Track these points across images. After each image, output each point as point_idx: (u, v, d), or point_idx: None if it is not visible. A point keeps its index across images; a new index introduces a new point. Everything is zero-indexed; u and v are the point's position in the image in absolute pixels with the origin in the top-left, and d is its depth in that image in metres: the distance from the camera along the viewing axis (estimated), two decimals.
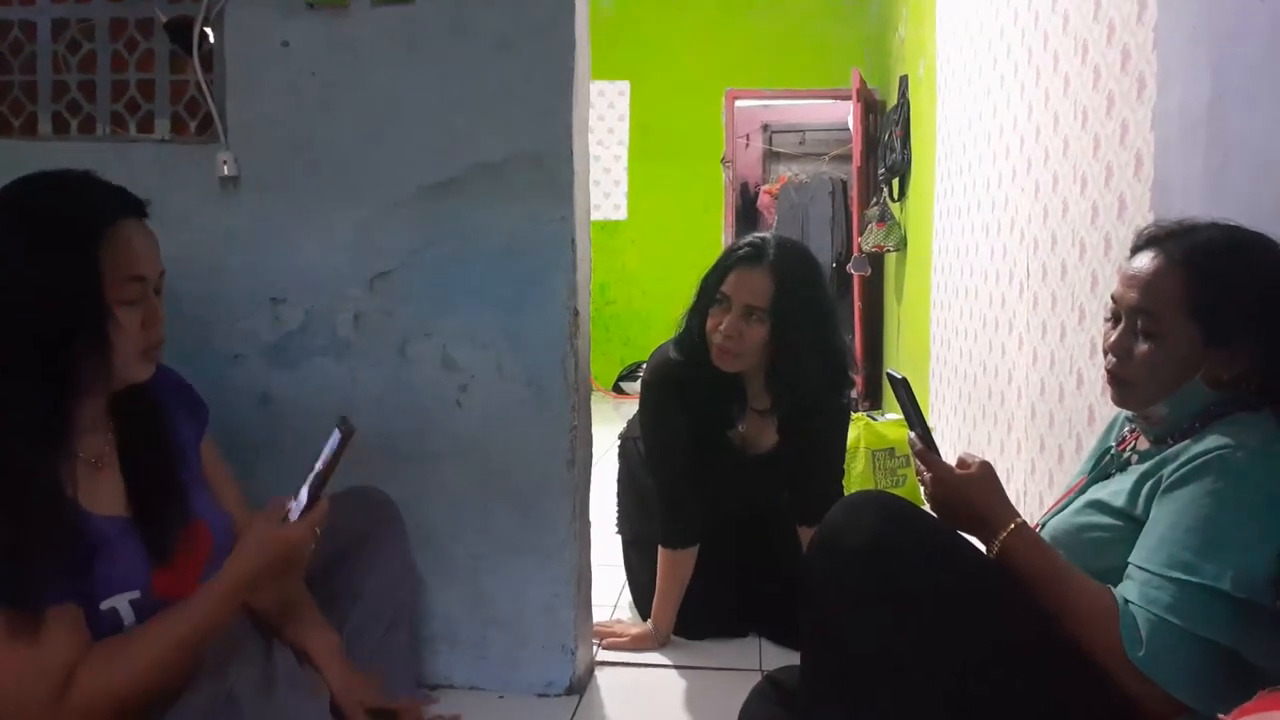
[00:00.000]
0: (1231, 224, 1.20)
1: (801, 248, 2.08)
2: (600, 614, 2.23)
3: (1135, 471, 1.22)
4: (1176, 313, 1.17)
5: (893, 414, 3.81)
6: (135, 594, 1.23)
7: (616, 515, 2.46)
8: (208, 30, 1.85)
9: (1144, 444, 1.28)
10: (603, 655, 2.08)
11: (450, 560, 1.87)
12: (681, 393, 2.08)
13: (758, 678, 1.62)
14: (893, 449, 3.40)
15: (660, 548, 2.12)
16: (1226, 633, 1.07)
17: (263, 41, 1.84)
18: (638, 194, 6.73)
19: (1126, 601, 1.11)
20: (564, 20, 1.77)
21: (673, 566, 2.11)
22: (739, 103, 6.72)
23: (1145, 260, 1.21)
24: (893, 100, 5.02)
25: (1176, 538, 1.10)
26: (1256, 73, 1.36)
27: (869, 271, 5.37)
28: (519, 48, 1.78)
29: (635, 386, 5.74)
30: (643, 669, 2.05)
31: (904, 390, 1.36)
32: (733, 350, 1.96)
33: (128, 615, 1.22)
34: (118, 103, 1.92)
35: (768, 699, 1.52)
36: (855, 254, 5.39)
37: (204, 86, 1.85)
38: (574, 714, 1.82)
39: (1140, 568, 1.12)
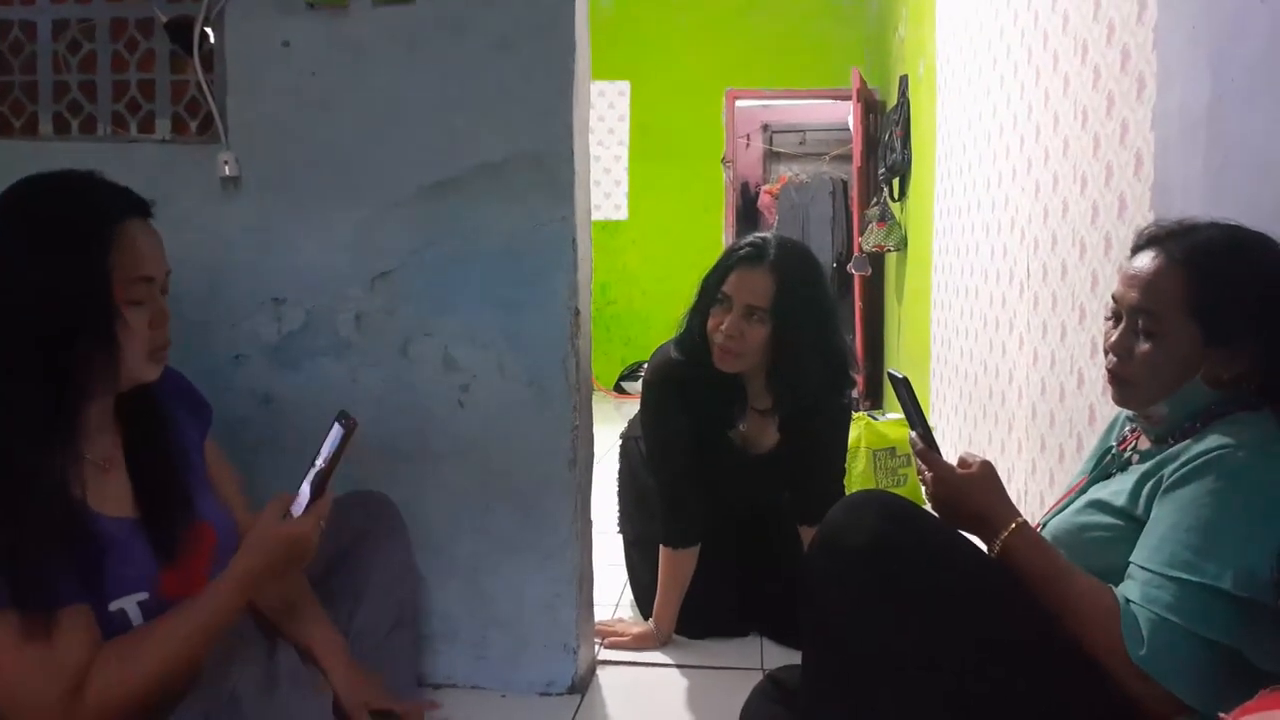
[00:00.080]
0: (1232, 224, 1.20)
1: (802, 248, 2.08)
2: (602, 613, 2.23)
3: (1136, 471, 1.22)
4: (1177, 312, 1.17)
5: (894, 413, 3.81)
6: (143, 595, 1.23)
7: (618, 515, 2.46)
8: (208, 30, 1.85)
9: (1145, 444, 1.28)
10: (604, 654, 2.08)
11: (451, 560, 1.87)
12: (683, 392, 2.08)
13: (759, 677, 1.62)
14: (894, 448, 3.40)
15: (662, 547, 2.12)
16: (1227, 632, 1.07)
17: (263, 41, 1.84)
18: (638, 194, 6.73)
19: (1128, 601, 1.11)
20: (564, 20, 1.77)
21: (674, 566, 2.12)
22: (739, 103, 6.72)
23: (1146, 260, 1.21)
24: (893, 100, 5.02)
25: (1177, 537, 1.10)
26: (1256, 72, 1.36)
27: (869, 271, 5.38)
28: (519, 48, 1.79)
29: (636, 386, 5.76)
30: (644, 668, 2.05)
31: (905, 390, 1.36)
32: (734, 350, 1.96)
33: (136, 616, 1.22)
34: (118, 103, 1.92)
35: (769, 698, 1.52)
36: (856, 254, 5.39)
37: (205, 86, 1.85)
38: (576, 713, 1.82)
39: (1141, 567, 1.12)
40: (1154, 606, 1.09)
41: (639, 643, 2.13)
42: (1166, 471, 1.15)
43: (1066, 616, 1.14)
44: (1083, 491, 1.32)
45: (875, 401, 5.38)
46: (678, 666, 2.06)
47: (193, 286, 1.81)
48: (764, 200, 7.64)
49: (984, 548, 1.24)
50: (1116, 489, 1.23)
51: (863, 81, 5.42)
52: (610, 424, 3.75)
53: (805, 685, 1.30)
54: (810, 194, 7.23)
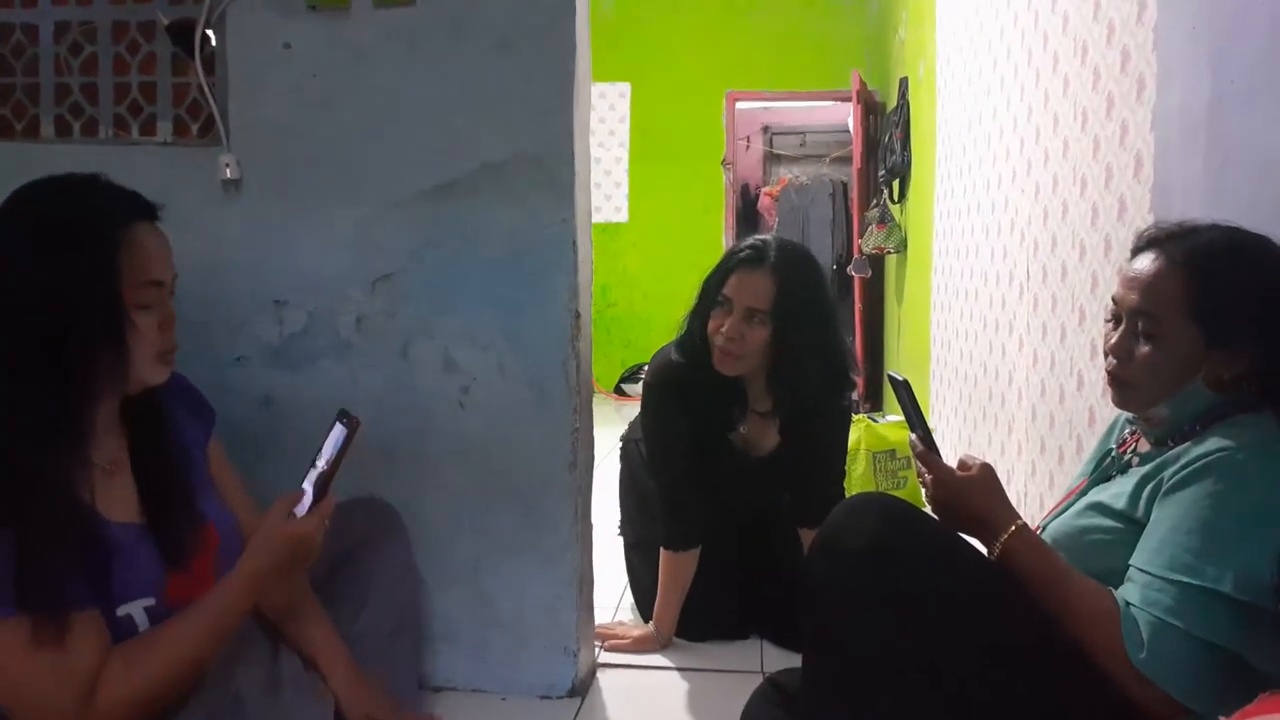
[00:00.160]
0: (1232, 225, 1.20)
1: (802, 250, 2.08)
2: (602, 616, 2.23)
3: (1136, 474, 1.22)
4: (1177, 314, 1.17)
5: (893, 416, 3.81)
6: (150, 601, 1.23)
7: (619, 517, 2.46)
8: (209, 33, 1.85)
9: (1145, 446, 1.28)
10: (605, 657, 2.08)
11: (451, 561, 1.87)
12: (683, 395, 2.08)
13: (759, 680, 1.62)
14: (894, 451, 3.40)
15: (662, 550, 2.12)
16: (1228, 635, 1.07)
17: (264, 44, 1.84)
18: (639, 196, 6.73)
19: (1128, 604, 1.11)
20: (564, 22, 1.78)
21: (674, 569, 2.11)
22: (739, 104, 6.72)
23: (1146, 262, 1.21)
24: (893, 102, 5.03)
25: (1177, 540, 1.10)
26: (1256, 73, 1.36)
27: (869, 273, 5.38)
28: (520, 49, 1.79)
29: (637, 388, 5.75)
30: (645, 671, 2.05)
31: (905, 392, 1.36)
32: (734, 353, 1.96)
33: (142, 621, 1.22)
34: (120, 105, 1.92)
35: (769, 701, 1.52)
36: (856, 256, 5.39)
37: (206, 89, 1.86)
38: (576, 716, 1.82)
39: (1141, 570, 1.12)
40: (1154, 609, 1.09)
41: (639, 645, 2.12)
42: (1166, 474, 1.15)
43: (1066, 619, 1.14)
44: (1083, 494, 1.32)
45: (875, 403, 5.38)
46: (678, 669, 2.06)
47: (194, 288, 1.80)
48: (764, 202, 7.65)
49: (984, 550, 1.24)
50: (1116, 492, 1.23)
51: (863, 83, 5.43)
52: (610, 426, 3.75)
53: (805, 688, 1.29)
54: (810, 196, 7.24)
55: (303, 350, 1.88)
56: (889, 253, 4.89)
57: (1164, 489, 1.14)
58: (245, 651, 1.29)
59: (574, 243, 1.81)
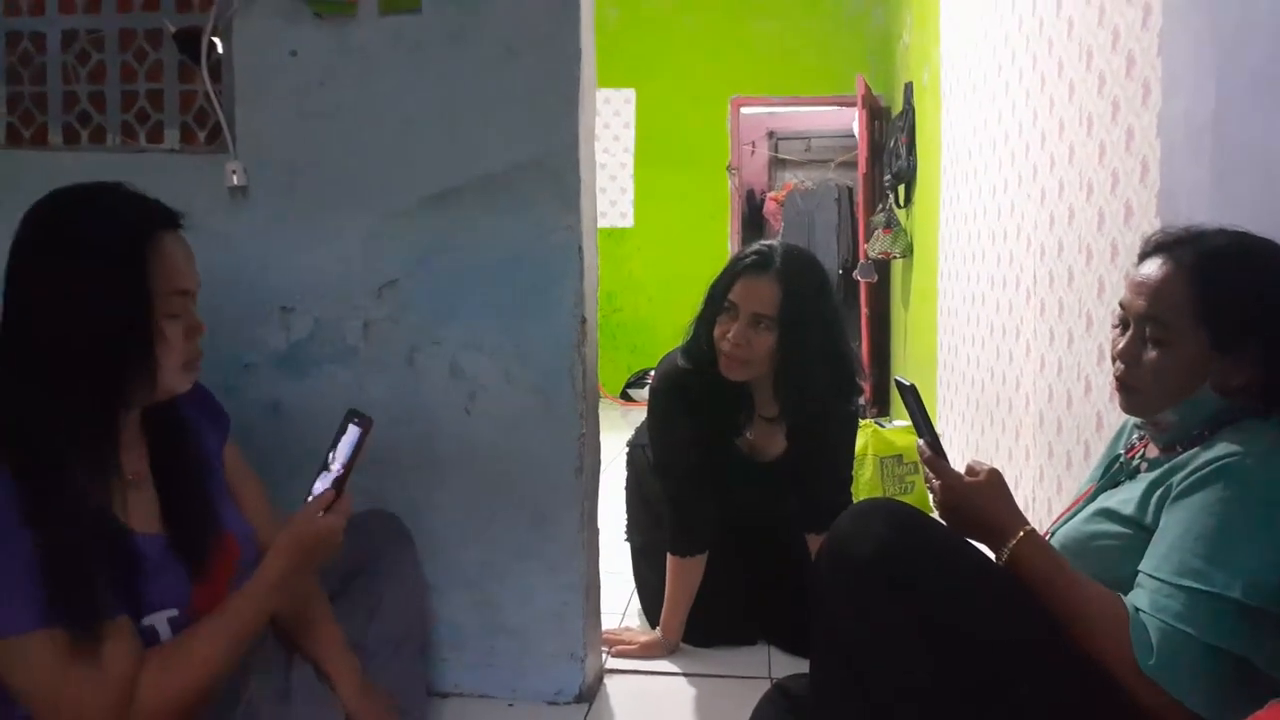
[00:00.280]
0: (1239, 230, 1.20)
1: (808, 255, 2.07)
2: (609, 621, 2.23)
3: (1145, 479, 1.21)
4: (1185, 319, 1.16)
5: (901, 420, 3.81)
6: (174, 612, 1.23)
7: (625, 523, 2.46)
8: (216, 40, 1.86)
9: (1153, 451, 1.27)
10: (612, 663, 2.08)
11: (459, 568, 1.87)
12: (689, 400, 2.08)
13: (767, 685, 1.62)
14: (901, 456, 3.39)
15: (669, 555, 2.12)
16: (1238, 641, 1.06)
17: (271, 51, 1.85)
18: (644, 201, 6.74)
19: (1137, 610, 1.11)
20: (569, 29, 1.78)
21: (682, 574, 2.11)
22: (744, 110, 6.72)
23: (1153, 267, 1.20)
24: (898, 107, 5.03)
25: (1187, 545, 1.09)
26: (1262, 77, 1.36)
27: (875, 278, 5.38)
28: (525, 56, 1.79)
29: (643, 394, 5.76)
30: (652, 676, 2.05)
31: (912, 397, 1.35)
32: (740, 358, 1.96)
33: (166, 633, 1.22)
34: (127, 113, 1.93)
35: (777, 706, 1.52)
36: (861, 261, 5.39)
37: (213, 96, 1.86)
38: None
39: (1151, 576, 1.12)
40: (1163, 615, 1.08)
41: (646, 651, 2.12)
42: (1175, 479, 1.14)
43: (1075, 625, 1.14)
44: (1091, 500, 1.32)
45: (882, 409, 5.37)
46: (685, 675, 2.05)
47: (201, 294, 1.81)
48: (769, 207, 7.65)
49: (992, 556, 1.24)
50: (1125, 497, 1.23)
51: (868, 88, 5.43)
52: (617, 432, 3.74)
53: (813, 694, 1.29)
54: (816, 201, 7.23)
55: (310, 357, 1.88)
56: (895, 258, 4.90)
57: (1173, 494, 1.14)
58: (259, 659, 1.29)
59: (580, 249, 1.81)
